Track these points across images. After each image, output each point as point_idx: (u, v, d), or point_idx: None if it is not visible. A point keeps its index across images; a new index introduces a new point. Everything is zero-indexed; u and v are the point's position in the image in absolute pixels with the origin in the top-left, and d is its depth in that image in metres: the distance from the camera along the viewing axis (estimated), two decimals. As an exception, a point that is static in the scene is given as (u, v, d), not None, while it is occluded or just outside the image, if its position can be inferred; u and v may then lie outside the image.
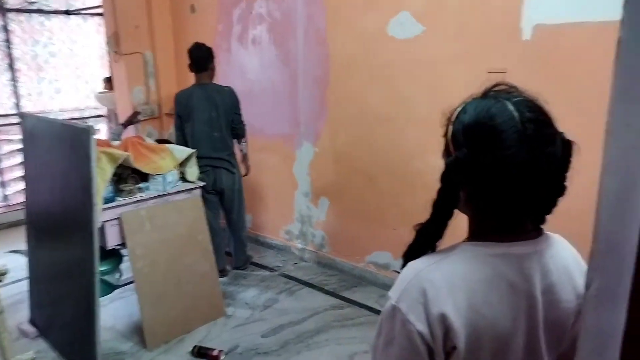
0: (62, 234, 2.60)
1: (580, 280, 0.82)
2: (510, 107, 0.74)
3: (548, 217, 0.82)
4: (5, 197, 4.95)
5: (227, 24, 3.93)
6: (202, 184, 3.08)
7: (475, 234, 0.83)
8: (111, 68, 4.70)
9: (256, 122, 3.75)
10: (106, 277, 3.18)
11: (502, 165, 0.73)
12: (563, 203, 0.79)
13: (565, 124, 0.78)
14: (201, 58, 3.33)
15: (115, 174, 2.64)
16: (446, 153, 0.83)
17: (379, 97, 3.07)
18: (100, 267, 2.40)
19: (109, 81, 5.02)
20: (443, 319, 0.73)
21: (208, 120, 3.29)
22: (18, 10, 4.90)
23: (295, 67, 3.52)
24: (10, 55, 4.87)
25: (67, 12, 5.31)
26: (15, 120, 4.71)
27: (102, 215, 2.50)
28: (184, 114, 3.33)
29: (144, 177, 2.84)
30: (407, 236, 0.85)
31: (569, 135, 0.77)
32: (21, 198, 4.11)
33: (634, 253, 0.39)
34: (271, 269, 3.69)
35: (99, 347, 2.35)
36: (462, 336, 0.74)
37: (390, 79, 3.00)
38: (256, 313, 3.07)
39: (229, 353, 2.65)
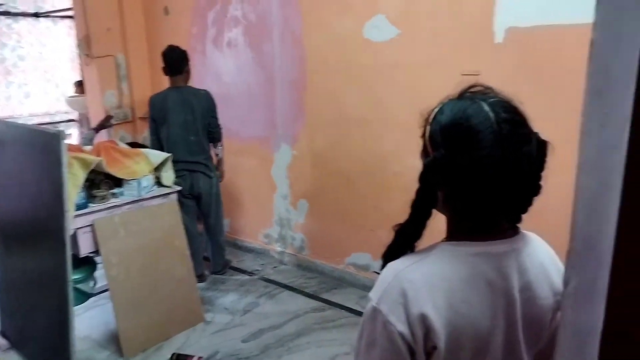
0: (33, 242, 2.53)
1: (556, 277, 0.84)
2: (486, 107, 0.75)
3: (524, 216, 0.83)
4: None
5: (201, 26, 3.89)
6: (178, 188, 3.03)
7: (454, 234, 0.83)
8: (82, 71, 4.60)
9: (232, 125, 3.72)
10: (80, 286, 3.10)
11: (478, 165, 0.74)
12: (538, 202, 0.80)
13: (539, 125, 0.79)
14: (175, 61, 3.28)
15: (87, 180, 2.58)
16: (424, 153, 0.83)
17: (356, 99, 3.08)
18: (73, 276, 2.35)
19: (80, 85, 4.91)
20: (423, 319, 0.74)
21: (184, 123, 3.25)
22: (-17, 13, 4.76)
23: (272, 69, 3.50)
24: (-24, 59, 4.73)
25: (36, 15, 5.17)
26: (-18, 125, 4.55)
27: (74, 222, 2.44)
28: (158, 117, 3.28)
29: (118, 182, 2.78)
30: (386, 237, 0.85)
31: (543, 136, 0.78)
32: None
33: (610, 251, 0.40)
34: (250, 273, 3.66)
35: (74, 358, 2.29)
36: (443, 336, 0.74)
37: (366, 81, 3.01)
38: (236, 318, 3.04)
39: (209, 359, 2.62)
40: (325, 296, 3.26)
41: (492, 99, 0.77)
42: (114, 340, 2.74)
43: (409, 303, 0.75)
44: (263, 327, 2.92)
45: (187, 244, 2.94)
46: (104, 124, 3.93)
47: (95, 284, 3.23)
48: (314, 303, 3.19)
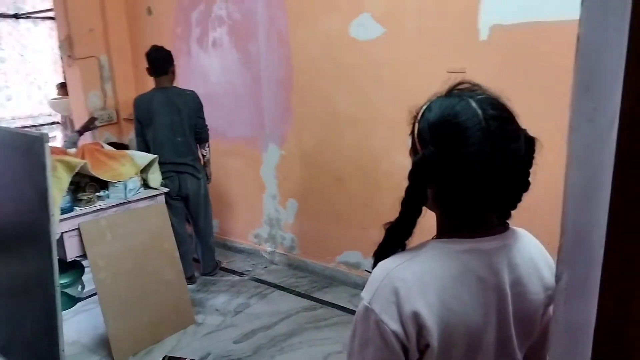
0: (17, 247, 2.49)
1: (546, 273, 0.84)
2: (474, 104, 0.75)
3: (513, 212, 0.84)
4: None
5: (185, 26, 3.86)
6: (166, 190, 3.01)
7: (444, 231, 0.84)
8: (65, 73, 4.53)
9: (219, 125, 3.69)
10: (68, 290, 3.06)
11: (466, 162, 0.74)
12: (527, 198, 0.81)
13: (526, 121, 0.80)
14: (160, 61, 3.25)
15: (72, 183, 2.54)
16: (413, 151, 0.83)
17: (344, 98, 3.08)
18: (60, 280, 2.31)
19: (63, 87, 4.84)
20: (416, 317, 0.74)
21: (170, 124, 3.21)
22: (-38, 14, 4.66)
23: (258, 69, 3.48)
24: (-46, 62, 4.63)
25: (16, 16, 5.08)
26: (-37, 129, 4.46)
27: (59, 226, 2.41)
28: (144, 118, 3.24)
29: (104, 185, 2.75)
30: (377, 235, 0.85)
31: (531, 132, 0.78)
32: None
33: (602, 245, 0.40)
34: (241, 274, 3.64)
35: (62, 364, 2.26)
36: (435, 333, 0.74)
37: (353, 80, 3.01)
38: (227, 319, 3.02)
39: (200, 362, 2.61)
40: (316, 295, 3.26)
41: (480, 96, 0.77)
42: (103, 345, 2.70)
43: (401, 301, 0.75)
44: (255, 327, 2.91)
45: (176, 246, 2.92)
46: (88, 126, 3.87)
47: (83, 288, 3.18)
48: (305, 302, 3.18)
